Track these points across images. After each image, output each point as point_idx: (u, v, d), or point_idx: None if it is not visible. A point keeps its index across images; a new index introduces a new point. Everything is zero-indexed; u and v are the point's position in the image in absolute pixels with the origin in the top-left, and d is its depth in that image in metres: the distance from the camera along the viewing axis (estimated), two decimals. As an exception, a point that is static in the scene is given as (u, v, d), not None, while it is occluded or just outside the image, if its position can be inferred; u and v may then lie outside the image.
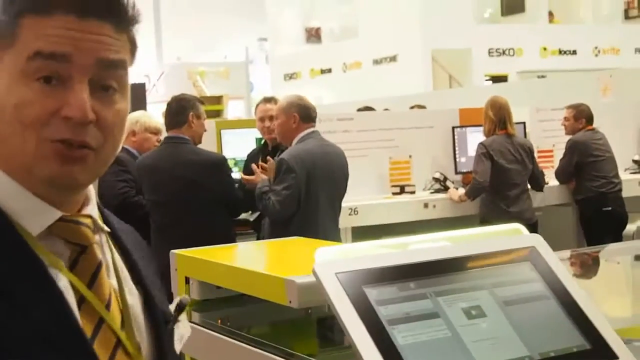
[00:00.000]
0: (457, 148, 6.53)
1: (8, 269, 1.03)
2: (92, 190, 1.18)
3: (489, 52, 18.63)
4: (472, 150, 6.24)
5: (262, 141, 5.33)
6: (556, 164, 6.78)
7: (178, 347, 1.25)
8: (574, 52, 19.36)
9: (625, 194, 6.59)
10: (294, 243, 3.07)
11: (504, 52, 18.81)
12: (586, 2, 21.58)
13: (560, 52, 19.27)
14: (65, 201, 1.11)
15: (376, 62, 19.15)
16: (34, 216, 1.08)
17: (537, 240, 1.66)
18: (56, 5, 1.06)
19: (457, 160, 6.54)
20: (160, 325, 1.21)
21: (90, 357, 1.07)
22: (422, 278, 1.51)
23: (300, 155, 4.47)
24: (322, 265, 1.48)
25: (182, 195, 4.56)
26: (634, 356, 1.51)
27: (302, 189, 4.42)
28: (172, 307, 1.25)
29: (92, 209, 1.16)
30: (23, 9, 1.06)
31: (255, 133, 5.57)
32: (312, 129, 4.61)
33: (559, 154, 6.80)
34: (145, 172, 4.70)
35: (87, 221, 1.14)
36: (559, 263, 1.62)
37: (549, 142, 7.07)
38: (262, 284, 2.19)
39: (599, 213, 6.36)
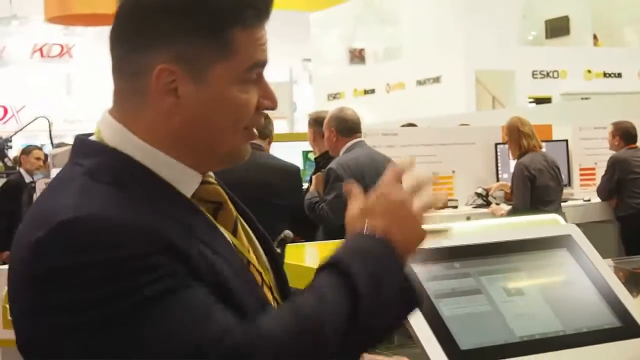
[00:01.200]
0: (499, 164, 6.64)
1: (200, 226, 1.19)
2: None
3: (533, 74, 18.63)
4: (513, 167, 6.33)
5: None
6: (598, 181, 6.84)
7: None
8: (619, 75, 19.28)
9: (667, 211, 6.62)
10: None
11: (547, 75, 18.80)
12: (631, 26, 21.51)
13: (604, 74, 19.20)
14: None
15: (419, 82, 19.26)
16: (187, 182, 1.23)
17: (573, 230, 1.79)
18: (259, 18, 1.22)
19: (500, 176, 6.64)
20: (277, 263, 1.37)
21: (261, 292, 1.25)
22: (466, 259, 1.65)
23: (348, 163, 4.57)
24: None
25: (255, 196, 4.66)
26: (662, 334, 1.63)
27: None
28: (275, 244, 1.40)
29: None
30: (232, 24, 1.19)
31: (302, 146, 5.71)
32: (357, 140, 4.72)
33: (600, 172, 6.85)
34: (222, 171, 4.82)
35: (214, 181, 1.30)
36: (594, 250, 1.75)
37: (591, 160, 7.13)
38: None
39: (641, 230, 6.42)
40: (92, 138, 1.24)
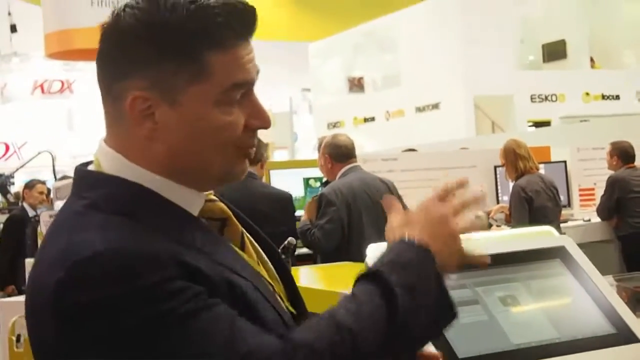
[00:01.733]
0: (499, 187, 6.69)
1: (200, 237, 1.21)
2: None
3: (532, 98, 18.72)
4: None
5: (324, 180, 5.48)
6: (598, 201, 6.88)
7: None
8: (617, 97, 19.37)
9: (668, 230, 6.66)
10: (343, 266, 3.28)
11: (546, 98, 18.89)
12: (628, 49, 21.63)
13: (603, 97, 19.29)
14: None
15: (419, 109, 19.35)
16: (192, 202, 1.25)
17: (566, 241, 1.84)
18: (237, 38, 1.22)
19: (500, 198, 6.69)
20: (288, 274, 1.40)
21: (278, 302, 1.28)
22: (463, 271, 1.70)
23: (339, 188, 4.62)
24: (373, 259, 1.68)
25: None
26: (655, 341, 1.67)
27: (344, 220, 4.57)
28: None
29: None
30: (207, 47, 1.19)
31: (302, 173, 5.76)
32: (352, 165, 4.76)
33: (600, 192, 6.90)
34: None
35: (215, 198, 1.33)
36: (587, 260, 1.79)
37: (590, 180, 7.19)
38: (321, 300, 2.38)
39: (642, 249, 6.45)
40: (91, 168, 1.26)
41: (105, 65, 1.23)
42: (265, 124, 1.25)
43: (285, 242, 1.46)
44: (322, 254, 4.67)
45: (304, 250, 5.15)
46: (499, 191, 6.71)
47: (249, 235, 1.36)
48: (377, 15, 20.56)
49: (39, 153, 8.83)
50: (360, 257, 4.53)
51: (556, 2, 20.57)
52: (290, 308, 1.34)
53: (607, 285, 1.73)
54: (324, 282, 2.92)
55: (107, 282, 1.07)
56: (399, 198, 4.82)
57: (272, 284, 1.32)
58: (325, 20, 22.83)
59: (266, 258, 1.37)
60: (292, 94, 24.73)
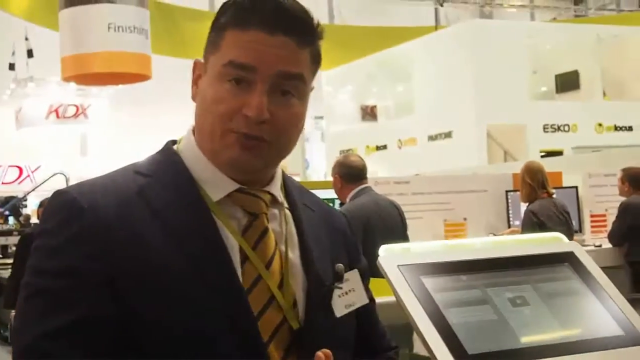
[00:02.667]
0: (510, 211, 6.72)
1: (185, 221, 1.30)
2: (279, 172, 1.47)
3: (544, 128, 18.75)
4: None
5: None
6: (609, 227, 6.90)
7: (341, 311, 1.44)
8: (630, 128, 19.38)
9: (678, 257, 6.67)
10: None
11: (559, 128, 18.91)
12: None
13: (615, 128, 19.30)
14: (251, 179, 1.37)
15: (431, 138, 19.39)
16: (216, 185, 1.34)
17: (575, 247, 1.87)
18: (253, 22, 1.30)
19: (511, 222, 6.71)
20: (314, 286, 1.41)
21: (244, 304, 1.30)
22: (473, 273, 1.73)
23: (353, 210, 4.64)
24: (386, 259, 1.72)
25: None
26: (662, 343, 1.69)
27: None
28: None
29: (274, 187, 1.42)
30: (227, 24, 1.32)
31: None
32: (363, 186, 4.79)
33: (611, 218, 6.92)
34: None
35: (265, 196, 1.39)
36: (595, 265, 1.82)
37: (602, 207, 7.21)
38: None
39: (653, 275, 6.45)
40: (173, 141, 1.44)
41: None
42: (253, 113, 1.29)
43: (336, 268, 1.50)
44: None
45: None
46: (510, 216, 6.73)
47: (292, 236, 1.42)
48: (391, 45, 20.67)
49: (53, 175, 8.91)
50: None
51: (568, 33, 20.65)
52: (294, 321, 1.37)
53: (614, 289, 1.76)
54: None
55: (46, 218, 1.31)
56: (405, 222, 4.86)
57: (275, 293, 1.35)
58: (339, 48, 22.97)
59: (298, 271, 1.41)
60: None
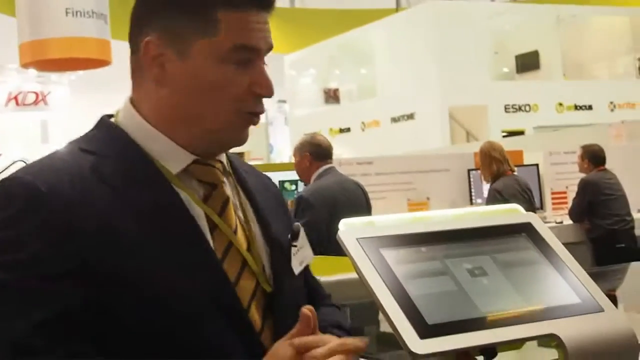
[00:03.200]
0: (472, 189, 6.77)
1: (148, 196, 1.28)
2: None
3: (505, 109, 18.86)
4: (487, 192, 6.47)
5: None
6: (570, 204, 6.98)
7: (297, 269, 1.47)
8: (590, 107, 19.57)
9: (638, 232, 6.77)
10: (318, 259, 3.32)
11: (520, 108, 19.03)
12: (599, 62, 21.88)
13: (576, 107, 19.48)
14: (210, 154, 1.38)
15: (394, 120, 19.45)
16: (174, 159, 1.33)
17: (532, 218, 1.89)
18: (250, 3, 1.31)
19: (473, 201, 6.77)
20: (275, 250, 1.43)
21: (221, 274, 1.31)
22: (432, 244, 1.75)
23: (320, 192, 4.64)
24: (345, 232, 1.72)
25: None
26: (616, 309, 1.73)
27: (323, 223, 4.58)
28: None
29: (222, 157, 1.43)
30: (217, 4, 1.29)
31: (277, 176, 5.79)
32: (328, 166, 4.80)
33: (572, 195, 7.01)
34: None
35: (218, 165, 1.40)
36: (552, 235, 1.85)
37: (562, 184, 7.30)
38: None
39: (613, 250, 6.53)
40: (108, 115, 1.39)
41: (132, 22, 1.36)
42: (268, 92, 1.33)
43: (294, 226, 1.51)
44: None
45: None
46: (473, 194, 6.79)
47: (234, 206, 1.40)
48: (352, 27, 20.66)
49: (13, 162, 8.79)
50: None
51: (528, 14, 20.78)
52: (266, 285, 1.39)
53: (570, 258, 1.78)
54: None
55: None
56: (369, 202, 4.88)
57: (246, 256, 1.36)
58: (301, 32, 22.92)
59: (257, 233, 1.42)
60: (267, 106, 24.74)
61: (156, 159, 1.32)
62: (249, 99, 1.32)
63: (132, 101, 1.37)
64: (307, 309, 1.26)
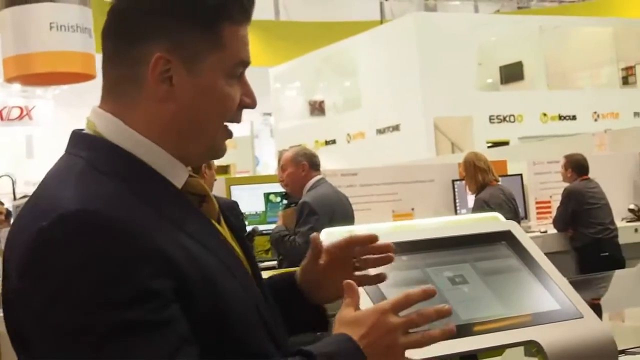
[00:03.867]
0: (457, 200, 6.80)
1: (183, 213, 1.28)
2: None
3: (490, 119, 18.94)
4: (471, 202, 6.50)
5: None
6: (554, 214, 7.02)
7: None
8: (574, 117, 19.67)
9: (621, 240, 6.81)
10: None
11: (504, 119, 19.12)
12: (583, 72, 22.03)
13: (560, 117, 19.58)
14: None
15: (379, 131, 19.49)
16: (176, 174, 1.31)
17: (512, 226, 1.92)
18: (243, 16, 1.32)
19: (458, 212, 6.80)
20: (247, 248, 1.45)
21: (253, 283, 1.36)
22: (412, 253, 1.77)
23: (322, 199, 4.75)
24: (328, 242, 1.74)
25: None
26: (596, 316, 1.75)
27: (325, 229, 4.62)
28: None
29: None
30: (220, 18, 1.29)
31: (263, 188, 5.82)
32: (319, 177, 4.89)
33: (556, 204, 7.04)
34: None
35: (196, 175, 1.38)
36: (532, 243, 1.87)
37: (547, 194, 7.33)
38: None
39: (597, 258, 6.56)
40: (87, 131, 1.31)
41: (122, 30, 1.29)
42: (255, 103, 1.36)
43: (251, 229, 1.54)
44: (294, 260, 4.72)
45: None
46: (457, 204, 6.81)
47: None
48: (337, 40, 20.72)
49: (-1, 177, 8.76)
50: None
51: (511, 25, 20.91)
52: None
53: (550, 265, 1.81)
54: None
55: (80, 245, 1.12)
56: (353, 213, 4.94)
57: (243, 259, 1.38)
58: (286, 44, 22.97)
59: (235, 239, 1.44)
60: (253, 118, 24.75)
61: (164, 175, 1.30)
62: (237, 112, 1.34)
63: (116, 114, 1.29)
64: (349, 282, 1.35)
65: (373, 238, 1.50)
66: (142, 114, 1.28)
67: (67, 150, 1.30)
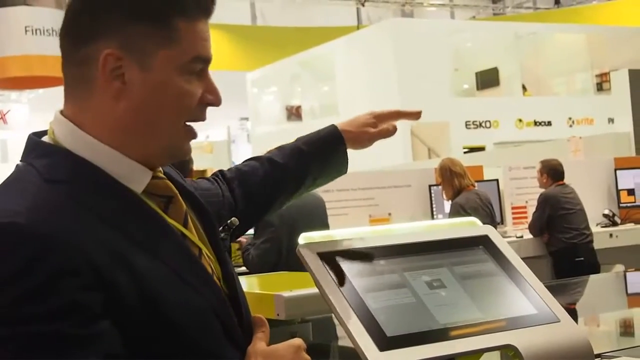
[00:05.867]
0: (434, 205, 6.82)
1: (133, 220, 1.25)
2: None
3: (466, 125, 19.03)
4: (448, 207, 6.52)
5: None
6: (529, 219, 7.06)
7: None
8: (549, 123, 19.81)
9: (596, 246, 6.86)
10: (280, 275, 3.34)
11: (480, 125, 19.21)
12: (558, 78, 22.19)
13: (535, 123, 19.71)
14: (156, 166, 1.35)
15: (356, 137, 19.47)
16: (135, 178, 1.28)
17: (489, 230, 1.92)
18: (199, 11, 1.29)
19: (435, 217, 6.82)
20: (219, 247, 1.43)
21: (215, 285, 1.33)
22: (391, 257, 1.77)
23: (280, 210, 4.65)
24: (305, 247, 1.74)
25: None
26: (572, 320, 1.76)
27: (283, 241, 4.56)
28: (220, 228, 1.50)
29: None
30: (173, 14, 1.26)
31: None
32: None
33: (531, 210, 7.08)
34: None
35: (164, 176, 1.36)
36: (509, 247, 1.88)
37: (522, 199, 7.38)
38: (255, 302, 2.43)
39: (572, 263, 6.61)
40: (45, 138, 1.29)
41: (73, 29, 1.28)
42: (218, 100, 1.32)
43: (228, 221, 1.51)
44: (257, 273, 4.68)
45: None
46: (434, 209, 6.84)
47: (192, 214, 1.40)
48: (314, 45, 20.74)
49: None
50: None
51: (487, 31, 21.03)
52: (225, 288, 1.39)
53: (526, 269, 1.82)
54: (259, 287, 2.97)
55: (4, 256, 1.11)
56: (326, 215, 4.88)
57: (212, 261, 1.37)
58: (263, 49, 22.97)
59: (206, 238, 1.42)
60: (230, 123, 24.72)
61: (120, 180, 1.27)
62: (199, 109, 1.31)
63: (69, 117, 1.28)
64: (259, 317, 1.36)
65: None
66: (96, 114, 1.26)
67: (21, 158, 1.28)
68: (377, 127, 2.06)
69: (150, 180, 1.31)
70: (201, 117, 1.32)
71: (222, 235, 1.50)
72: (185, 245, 1.31)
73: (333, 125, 2.05)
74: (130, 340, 1.16)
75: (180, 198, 1.36)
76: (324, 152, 2.02)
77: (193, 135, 1.33)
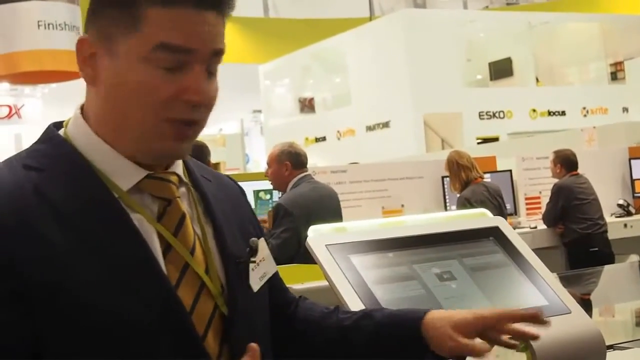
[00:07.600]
0: (447, 196, 6.80)
1: (93, 219, 1.19)
2: None
3: (480, 115, 18.96)
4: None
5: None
6: (543, 209, 7.03)
7: (257, 284, 1.36)
8: (563, 113, 19.71)
9: (611, 236, 6.82)
10: (294, 267, 3.35)
11: (494, 115, 19.14)
12: (571, 67, 22.08)
13: (549, 113, 19.62)
14: (157, 164, 1.28)
15: (369, 128, 19.49)
16: (124, 174, 1.23)
17: (500, 222, 1.91)
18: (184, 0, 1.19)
19: (448, 208, 6.80)
20: (230, 268, 1.32)
21: (172, 299, 1.20)
22: (400, 250, 1.76)
23: (297, 199, 4.68)
24: (314, 239, 1.74)
25: None
26: (584, 311, 1.75)
27: (301, 231, 4.60)
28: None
29: (177, 167, 1.32)
30: (147, 1, 1.18)
31: (253, 186, 5.80)
32: (302, 174, 4.85)
33: (545, 200, 7.05)
34: None
35: (173, 178, 1.29)
36: (519, 238, 1.87)
37: (536, 189, 7.34)
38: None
39: (587, 254, 6.57)
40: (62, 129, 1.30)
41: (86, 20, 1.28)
42: (198, 98, 1.21)
43: (250, 242, 1.41)
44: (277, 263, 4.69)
45: None
46: (447, 201, 6.82)
47: (190, 224, 1.30)
48: (326, 37, 20.71)
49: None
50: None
51: (500, 21, 20.94)
52: (224, 307, 1.29)
53: (537, 260, 1.81)
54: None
55: None
56: (340, 208, 4.91)
57: (204, 278, 1.27)
58: (275, 42, 22.94)
59: (216, 254, 1.32)
60: (243, 116, 24.74)
61: (106, 176, 1.23)
62: (176, 106, 1.20)
63: (82, 109, 1.28)
64: (253, 345, 1.20)
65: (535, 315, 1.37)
66: (89, 106, 1.27)
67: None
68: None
69: (150, 180, 1.26)
70: (182, 115, 1.21)
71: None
72: (145, 253, 1.21)
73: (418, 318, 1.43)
74: (54, 341, 1.13)
75: (181, 203, 1.29)
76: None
77: (179, 134, 1.22)
